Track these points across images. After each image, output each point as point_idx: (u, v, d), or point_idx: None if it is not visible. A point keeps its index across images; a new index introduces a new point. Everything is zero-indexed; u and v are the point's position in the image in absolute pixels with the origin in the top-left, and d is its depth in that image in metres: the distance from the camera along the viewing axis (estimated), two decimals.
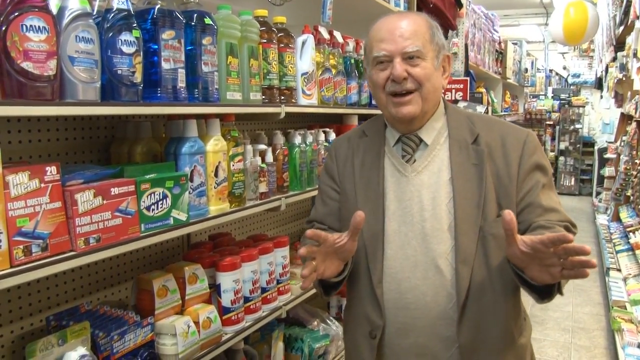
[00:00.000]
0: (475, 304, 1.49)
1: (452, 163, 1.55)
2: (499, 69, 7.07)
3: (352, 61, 2.73)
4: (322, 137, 2.55)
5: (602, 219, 8.16)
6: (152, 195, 1.58)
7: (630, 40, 6.69)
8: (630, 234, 5.88)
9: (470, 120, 1.62)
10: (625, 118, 8.18)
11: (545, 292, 1.38)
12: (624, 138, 7.61)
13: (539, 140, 1.61)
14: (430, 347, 1.52)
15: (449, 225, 1.51)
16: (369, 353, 1.58)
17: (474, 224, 1.49)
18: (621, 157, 7.67)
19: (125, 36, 1.44)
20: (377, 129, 1.69)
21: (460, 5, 4.50)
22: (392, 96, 1.52)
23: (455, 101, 4.25)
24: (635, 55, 6.12)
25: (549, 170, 1.60)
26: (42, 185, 1.29)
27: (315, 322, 2.72)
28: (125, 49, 1.44)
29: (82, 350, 1.48)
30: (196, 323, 1.81)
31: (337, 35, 2.63)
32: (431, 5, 3.79)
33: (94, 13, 1.42)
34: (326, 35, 2.49)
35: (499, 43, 6.98)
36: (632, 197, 6.44)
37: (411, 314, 1.52)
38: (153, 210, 1.59)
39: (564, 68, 16.27)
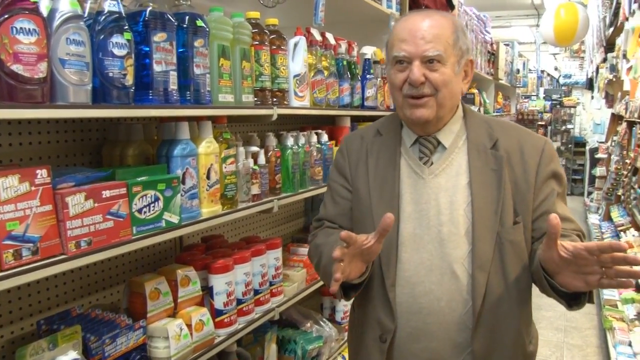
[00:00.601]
0: (491, 310, 1.48)
1: (470, 167, 1.53)
2: (491, 70, 7.08)
3: (345, 63, 2.73)
4: (314, 138, 2.55)
5: (593, 219, 8.21)
6: (144, 197, 1.58)
7: (620, 41, 6.74)
8: (621, 233, 5.91)
9: (489, 125, 1.60)
10: (616, 118, 8.24)
11: (573, 299, 1.37)
12: (615, 138, 7.66)
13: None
14: (442, 353, 1.50)
15: (466, 230, 1.50)
16: (378, 357, 1.56)
17: (491, 230, 1.48)
18: (612, 157, 7.73)
19: (116, 38, 1.43)
20: (393, 129, 1.66)
21: (452, 7, 4.51)
22: (408, 97, 1.50)
23: None
24: (624, 56, 6.16)
25: (565, 180, 1.59)
26: (33, 188, 1.29)
27: (309, 324, 2.72)
28: (116, 51, 1.43)
29: (73, 354, 1.47)
30: (189, 326, 1.81)
31: (330, 37, 2.63)
32: (423, 7, 3.80)
33: (85, 15, 1.41)
34: (318, 37, 2.49)
35: (491, 44, 7.00)
36: (622, 197, 6.48)
37: (424, 319, 1.51)
38: (145, 212, 1.58)
39: (556, 69, 16.35)
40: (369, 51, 3.02)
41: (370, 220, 1.55)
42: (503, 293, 1.49)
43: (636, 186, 5.42)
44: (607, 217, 7.37)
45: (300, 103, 2.30)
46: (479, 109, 5.88)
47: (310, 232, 1.77)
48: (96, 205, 1.43)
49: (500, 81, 7.59)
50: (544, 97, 14.22)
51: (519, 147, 1.55)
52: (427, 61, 1.46)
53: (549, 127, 12.97)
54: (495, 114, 7.34)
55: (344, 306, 2.98)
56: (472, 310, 1.48)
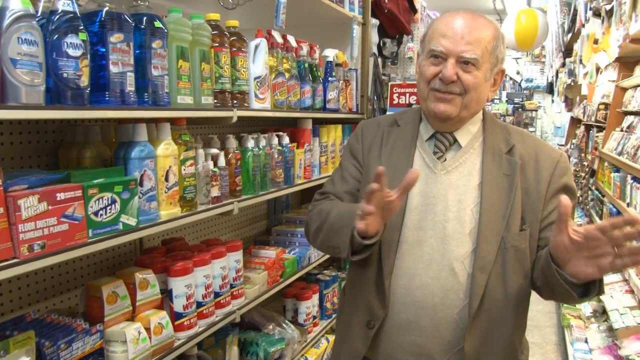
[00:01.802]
0: (487, 313, 1.48)
1: (483, 169, 1.54)
2: None
3: (306, 65, 2.74)
4: (275, 141, 2.55)
5: None
6: (100, 200, 1.56)
7: (577, 47, 6.92)
8: None
9: (507, 131, 1.61)
10: (575, 122, 8.45)
11: (584, 292, 1.35)
12: (574, 141, 7.86)
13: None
14: (429, 348, 1.50)
15: (471, 230, 1.50)
16: (362, 342, 1.56)
17: (497, 233, 1.48)
18: (571, 159, 7.91)
19: (71, 39, 1.41)
20: (411, 121, 1.66)
21: (415, 11, 4.57)
22: (435, 90, 1.50)
23: (410, 105, 4.31)
24: (581, 61, 6.33)
25: (576, 195, 1.60)
26: None
27: (271, 326, 2.72)
28: (71, 51, 1.41)
29: None
30: (147, 329, 1.79)
31: (291, 39, 2.63)
32: (386, 11, 3.84)
33: (38, 15, 1.39)
34: (279, 40, 2.50)
35: None
36: (581, 199, 6.64)
37: (416, 312, 1.50)
38: (101, 215, 1.56)
39: (518, 73, 16.64)
40: (331, 54, 3.04)
41: None
42: (501, 297, 1.49)
43: (593, 188, 5.56)
44: None
45: (260, 105, 2.30)
46: None
47: (312, 202, 1.74)
48: (50, 207, 1.41)
49: None
50: (506, 101, 14.49)
51: (535, 157, 1.56)
52: (463, 62, 1.47)
53: None
54: None
55: (307, 308, 2.99)
56: (466, 310, 1.48)
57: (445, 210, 1.51)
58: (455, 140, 1.59)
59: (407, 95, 4.34)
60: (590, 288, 1.35)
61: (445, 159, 1.58)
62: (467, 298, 1.48)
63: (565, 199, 1.22)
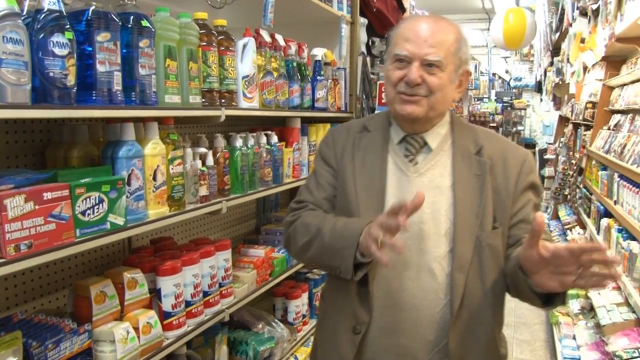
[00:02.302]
0: (468, 311, 1.51)
1: (454, 170, 1.57)
2: None
3: (294, 64, 2.74)
4: (264, 140, 2.55)
5: None
6: (88, 199, 1.55)
7: (564, 46, 6.97)
8: (568, 231, 6.10)
9: (475, 132, 1.65)
10: (563, 120, 8.50)
11: (548, 300, 1.40)
12: (562, 139, 7.90)
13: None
14: (412, 349, 1.53)
15: (446, 230, 1.53)
16: (350, 348, 1.57)
17: (471, 233, 1.51)
18: (559, 157, 7.96)
19: (57, 38, 1.41)
20: (381, 125, 1.68)
21: (403, 10, 4.58)
22: (401, 93, 1.53)
23: None
24: (568, 60, 6.37)
25: (542, 192, 1.65)
26: None
27: (260, 325, 2.72)
28: (57, 50, 1.41)
29: None
30: (136, 329, 1.79)
31: (279, 38, 2.63)
32: (375, 10, 3.85)
33: (24, 13, 1.38)
34: (267, 39, 2.50)
35: None
36: (569, 197, 6.69)
37: (398, 314, 1.53)
38: (89, 215, 1.56)
39: (507, 72, 16.74)
40: (319, 53, 3.05)
41: (356, 212, 1.57)
42: (480, 295, 1.52)
43: (581, 186, 5.60)
44: (555, 216, 7.60)
45: (249, 104, 2.31)
46: None
47: (288, 213, 1.74)
48: (37, 207, 1.40)
49: None
50: (495, 100, 14.55)
51: (502, 157, 1.59)
52: (427, 64, 1.50)
53: (500, 129, 13.27)
54: None
55: (296, 307, 3.00)
56: (447, 309, 1.51)
57: (420, 213, 1.50)
58: (426, 143, 1.61)
59: None
60: (555, 298, 1.40)
61: (417, 162, 1.60)
62: (446, 297, 1.51)
63: (539, 216, 1.26)
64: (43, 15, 1.39)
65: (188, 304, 2.05)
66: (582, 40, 5.33)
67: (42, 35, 1.38)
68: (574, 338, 4.02)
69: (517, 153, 1.63)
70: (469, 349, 1.53)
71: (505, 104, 13.94)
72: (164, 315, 1.95)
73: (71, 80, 1.45)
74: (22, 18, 1.34)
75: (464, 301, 1.50)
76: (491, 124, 12.83)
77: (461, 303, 1.49)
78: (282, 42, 2.65)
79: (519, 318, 5.17)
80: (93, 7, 1.53)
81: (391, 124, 1.68)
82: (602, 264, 1.21)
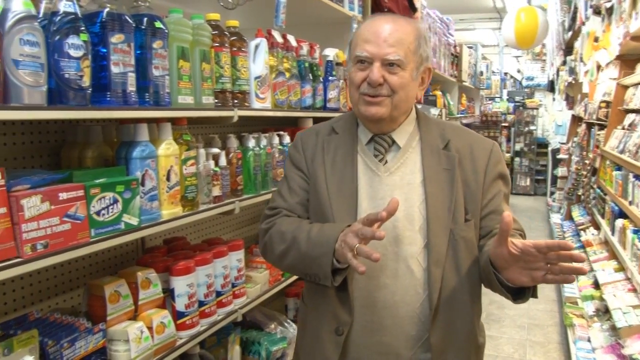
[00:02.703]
0: (447, 304, 1.52)
1: (424, 166, 1.59)
2: (455, 72, 7.20)
3: (306, 65, 2.75)
4: (276, 140, 2.56)
5: (555, 218, 8.40)
6: (102, 200, 1.57)
7: (577, 45, 6.92)
8: (582, 232, 6.06)
9: (441, 127, 1.67)
10: (576, 120, 8.44)
11: (519, 294, 1.43)
12: (575, 139, 7.85)
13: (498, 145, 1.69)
14: (395, 346, 1.54)
15: (420, 226, 1.54)
16: (334, 349, 1.58)
17: (445, 227, 1.53)
18: (573, 157, 7.91)
19: (72, 39, 1.42)
20: (348, 127, 1.70)
21: (415, 9, 4.57)
22: (364, 95, 1.55)
23: None
24: (581, 59, 6.32)
25: (509, 182, 1.67)
26: None
27: (273, 325, 2.73)
28: (72, 52, 1.42)
29: (30, 359, 1.45)
30: (149, 328, 1.80)
31: (291, 39, 2.64)
32: (386, 10, 3.84)
33: (40, 16, 1.40)
34: (280, 39, 2.51)
35: (455, 47, 7.11)
36: (582, 197, 6.64)
37: (378, 313, 1.54)
38: (103, 215, 1.57)
39: (518, 71, 16.65)
40: (331, 53, 3.05)
41: (330, 215, 1.58)
42: (457, 287, 1.55)
43: (595, 186, 5.56)
44: (569, 217, 7.54)
45: (261, 105, 2.31)
46: (441, 110, 5.96)
47: (263, 220, 1.74)
48: (53, 207, 1.42)
49: (464, 83, 7.71)
50: (507, 99, 14.48)
51: (469, 149, 1.62)
52: (388, 64, 1.51)
53: (512, 129, 13.20)
54: (459, 115, 7.46)
55: None
56: (426, 303, 1.53)
57: None
58: (394, 142, 1.63)
59: None
60: (525, 292, 1.42)
61: (387, 161, 1.62)
62: (425, 292, 1.53)
63: (507, 216, 1.28)
64: (59, 17, 1.41)
65: (201, 303, 2.06)
66: (596, 39, 5.29)
67: (58, 37, 1.40)
68: (589, 340, 3.98)
69: (483, 145, 1.64)
70: (450, 341, 1.55)
71: (517, 104, 13.85)
72: (177, 315, 1.96)
73: (86, 81, 1.47)
74: (39, 20, 1.36)
75: (442, 294, 1.52)
76: (503, 124, 12.76)
77: (439, 297, 1.52)
78: (294, 43, 2.66)
79: (532, 320, 5.14)
80: (107, 9, 1.55)
81: (358, 125, 1.69)
82: (567, 261, 1.24)
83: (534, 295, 1.43)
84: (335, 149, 1.66)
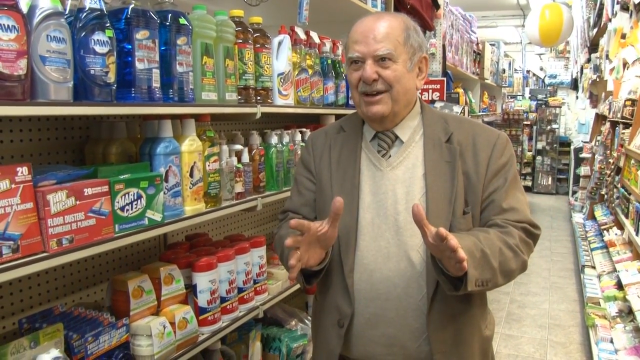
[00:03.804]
0: (444, 295, 1.52)
1: (426, 160, 1.60)
2: (477, 70, 7.13)
3: (329, 62, 2.74)
4: (298, 137, 2.55)
5: (578, 218, 8.28)
6: (127, 195, 1.57)
7: (603, 42, 6.81)
8: (605, 232, 5.97)
9: (445, 120, 1.67)
10: (600, 118, 8.31)
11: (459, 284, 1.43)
12: (599, 138, 7.73)
13: (510, 140, 1.67)
14: (399, 338, 1.56)
15: None
16: (337, 342, 1.61)
17: (445, 219, 1.54)
18: (596, 156, 7.79)
19: (98, 36, 1.43)
20: (354, 125, 1.73)
21: (438, 6, 4.54)
22: (364, 95, 1.57)
23: (432, 101, 4.28)
24: (607, 56, 6.23)
25: (515, 169, 1.64)
26: (13, 186, 1.28)
27: (293, 322, 2.73)
28: (98, 48, 1.43)
29: (55, 352, 1.46)
30: (172, 324, 1.81)
31: (314, 35, 2.63)
32: (408, 6, 3.82)
33: (66, 12, 1.41)
34: (302, 36, 2.50)
35: (477, 44, 7.05)
36: (606, 196, 6.54)
37: (382, 305, 1.56)
38: (127, 210, 1.58)
39: (541, 69, 16.47)
40: None
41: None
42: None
43: (619, 185, 5.47)
44: (591, 216, 7.43)
45: (284, 101, 2.31)
46: (464, 108, 5.91)
47: (279, 221, 1.82)
48: (78, 203, 1.43)
49: (485, 81, 7.63)
50: (529, 97, 14.30)
51: (472, 141, 1.62)
52: (379, 59, 1.53)
53: (535, 127, 13.05)
54: (481, 113, 7.39)
55: None
56: (426, 295, 1.54)
57: (395, 204, 1.57)
58: (397, 137, 1.64)
59: (430, 91, 4.32)
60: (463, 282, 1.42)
61: (390, 156, 1.63)
62: (426, 285, 1.54)
63: (417, 206, 1.30)
64: (85, 14, 1.42)
65: (223, 300, 2.07)
66: (623, 36, 5.20)
67: (84, 33, 1.41)
68: (612, 342, 3.92)
69: (486, 136, 1.63)
70: (449, 333, 1.56)
71: (539, 102, 13.68)
72: (199, 311, 1.96)
73: (111, 77, 1.48)
74: (65, 17, 1.37)
75: (440, 286, 1.51)
76: (525, 122, 12.63)
77: (436, 288, 1.52)
78: (316, 40, 2.65)
79: (554, 320, 5.08)
80: (132, 5, 1.55)
81: (364, 123, 1.72)
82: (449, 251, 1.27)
83: (465, 287, 1.40)
84: (341, 147, 1.70)
